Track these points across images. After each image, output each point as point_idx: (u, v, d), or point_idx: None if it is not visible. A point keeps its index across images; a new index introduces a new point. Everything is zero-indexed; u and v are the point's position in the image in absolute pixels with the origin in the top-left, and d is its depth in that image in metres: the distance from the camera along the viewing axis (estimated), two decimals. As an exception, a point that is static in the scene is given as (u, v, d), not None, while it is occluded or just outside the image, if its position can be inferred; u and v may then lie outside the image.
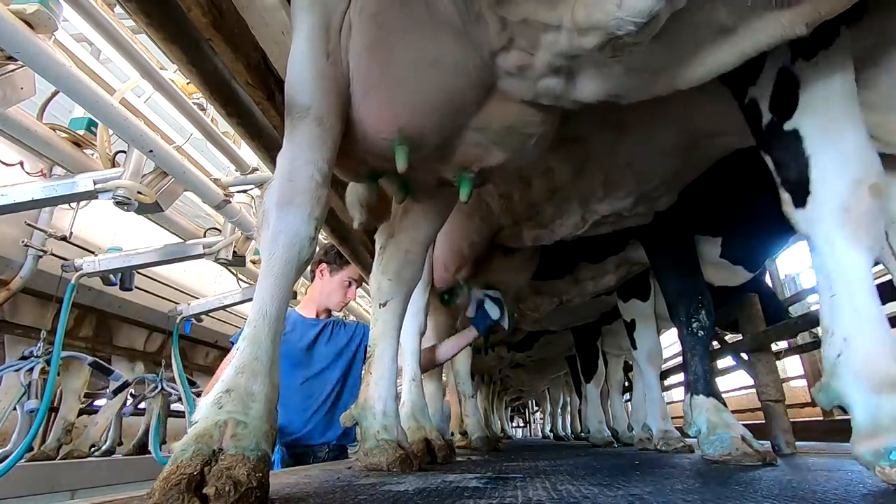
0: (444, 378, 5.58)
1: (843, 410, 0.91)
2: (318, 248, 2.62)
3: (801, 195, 1.02)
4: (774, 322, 2.22)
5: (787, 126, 1.05)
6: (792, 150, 1.03)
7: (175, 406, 4.52)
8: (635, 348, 2.62)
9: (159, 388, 3.77)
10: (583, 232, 2.00)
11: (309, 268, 2.50)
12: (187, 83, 2.30)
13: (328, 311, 2.50)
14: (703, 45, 0.91)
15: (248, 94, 1.41)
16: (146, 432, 4.45)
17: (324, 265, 2.47)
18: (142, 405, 4.09)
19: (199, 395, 4.12)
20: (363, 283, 2.60)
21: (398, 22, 1.03)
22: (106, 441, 4.05)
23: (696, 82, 0.98)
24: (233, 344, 2.29)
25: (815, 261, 1.00)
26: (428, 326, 1.96)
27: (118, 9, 1.90)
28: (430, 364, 2.32)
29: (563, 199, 1.87)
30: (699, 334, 1.79)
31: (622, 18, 0.79)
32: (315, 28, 1.05)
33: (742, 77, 1.17)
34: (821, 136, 1.00)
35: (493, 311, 2.19)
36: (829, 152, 0.98)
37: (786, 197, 1.06)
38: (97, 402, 4.91)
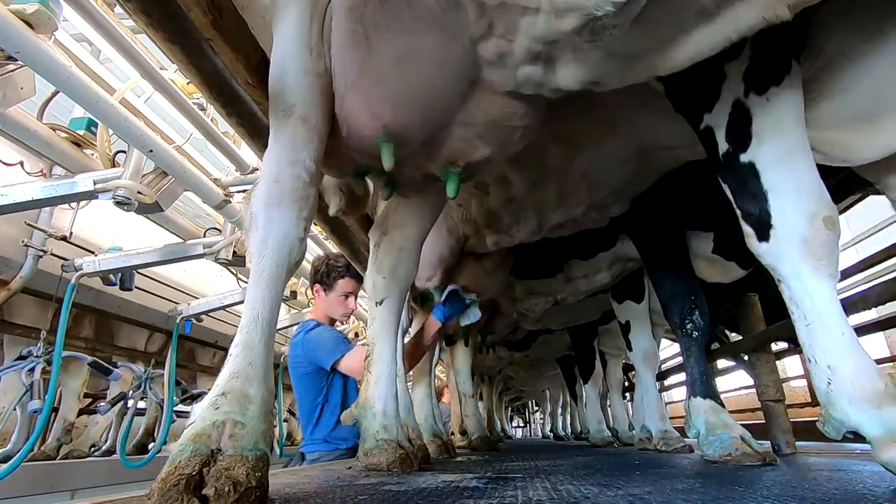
0: (442, 378, 5.60)
1: (855, 434, 0.93)
2: (309, 266, 2.67)
3: (763, 230, 1.07)
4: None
5: (744, 158, 1.09)
6: (751, 184, 1.08)
7: (177, 406, 4.50)
8: (630, 350, 2.62)
9: (143, 387, 3.74)
10: (541, 236, 2.06)
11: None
12: (187, 83, 2.30)
13: (332, 322, 2.60)
14: (683, 29, 0.90)
15: (248, 94, 1.40)
16: (147, 432, 4.44)
17: (317, 286, 2.55)
18: (141, 404, 4.07)
19: (191, 397, 4.11)
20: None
21: (376, 15, 1.00)
22: (106, 441, 4.04)
23: (677, 68, 0.97)
24: None
25: (785, 293, 1.05)
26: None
27: (118, 9, 1.90)
28: (414, 359, 2.39)
29: (519, 207, 1.91)
30: (694, 335, 1.79)
31: None
32: (298, 23, 1.03)
33: (697, 104, 1.20)
34: (776, 171, 1.05)
35: (458, 309, 2.27)
36: (786, 187, 1.03)
37: (749, 231, 1.10)
38: (100, 403, 4.88)
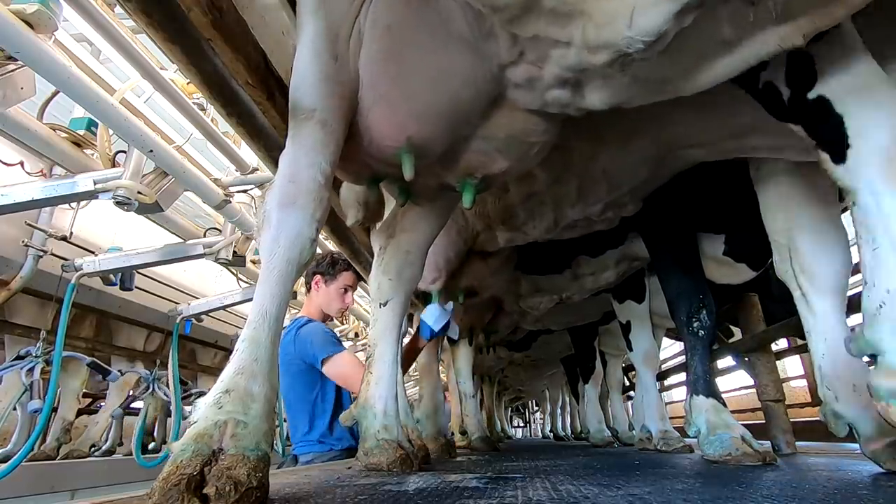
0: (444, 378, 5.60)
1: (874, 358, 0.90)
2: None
3: (839, 151, 0.99)
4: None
5: (812, 94, 1.04)
6: (823, 112, 1.01)
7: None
8: (631, 350, 2.62)
9: (151, 388, 3.76)
10: (554, 235, 2.05)
11: (303, 278, 2.57)
12: (187, 83, 2.30)
13: (325, 319, 2.56)
14: (707, 57, 0.94)
15: (248, 94, 1.40)
16: (148, 432, 4.45)
17: (318, 276, 2.53)
18: (139, 404, 4.08)
19: (189, 396, 4.13)
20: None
21: (412, 34, 1.05)
22: (106, 441, 4.04)
23: (700, 89, 1.01)
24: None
25: (857, 214, 0.98)
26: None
27: (118, 9, 1.89)
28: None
29: (538, 203, 1.91)
30: (700, 334, 1.79)
31: (632, 37, 0.81)
32: (321, 33, 1.06)
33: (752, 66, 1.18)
34: (851, 96, 0.99)
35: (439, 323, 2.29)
36: (864, 107, 0.97)
37: (824, 156, 1.03)
38: (99, 403, 4.89)
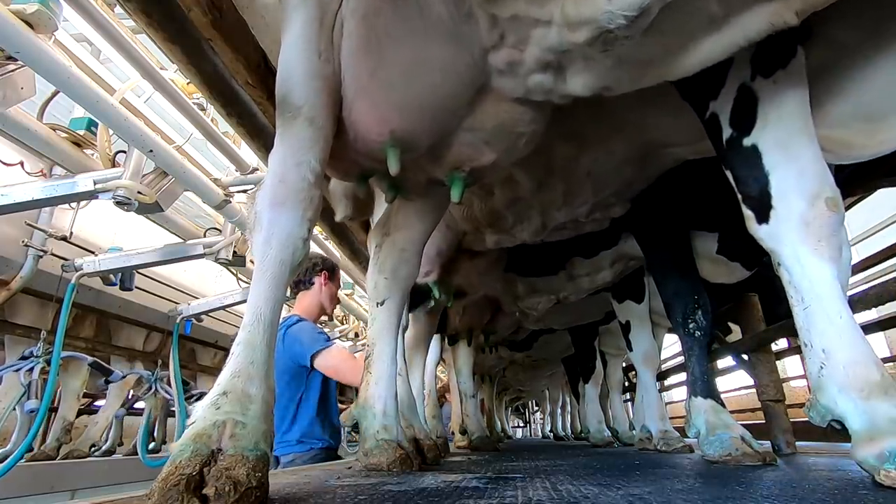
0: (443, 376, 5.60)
1: (839, 424, 0.91)
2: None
3: (763, 212, 1.05)
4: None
5: (747, 142, 1.08)
6: (752, 166, 1.06)
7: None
8: (631, 350, 2.61)
9: (153, 388, 3.76)
10: (544, 237, 2.05)
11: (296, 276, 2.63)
12: (187, 83, 2.30)
13: (320, 316, 2.63)
14: (693, 37, 0.91)
15: (248, 94, 1.41)
16: (148, 432, 4.45)
17: (325, 273, 2.57)
18: (141, 405, 4.08)
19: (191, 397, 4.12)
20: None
21: (389, 23, 1.01)
22: (106, 441, 4.04)
23: (688, 73, 0.98)
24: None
25: (784, 276, 1.02)
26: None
27: (118, 9, 1.90)
28: None
29: (525, 206, 1.90)
30: (696, 335, 1.78)
31: (612, 12, 0.79)
32: (306, 26, 1.04)
33: (703, 91, 1.20)
34: (779, 152, 1.03)
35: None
36: (788, 168, 1.02)
37: (749, 213, 1.09)
38: (98, 403, 4.90)
